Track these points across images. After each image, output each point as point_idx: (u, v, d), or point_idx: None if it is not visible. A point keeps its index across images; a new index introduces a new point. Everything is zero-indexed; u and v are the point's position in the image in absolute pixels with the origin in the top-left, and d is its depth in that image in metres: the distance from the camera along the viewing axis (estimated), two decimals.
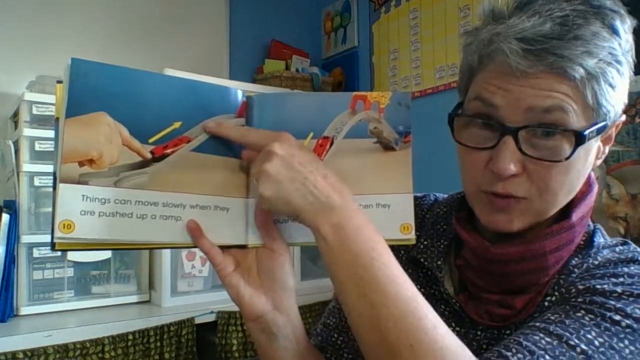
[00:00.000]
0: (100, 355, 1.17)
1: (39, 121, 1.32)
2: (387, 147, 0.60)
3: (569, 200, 0.59)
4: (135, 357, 1.23)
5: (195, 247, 0.56)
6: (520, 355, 0.48)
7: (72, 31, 1.81)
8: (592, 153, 0.57)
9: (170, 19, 2.06)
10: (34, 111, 1.32)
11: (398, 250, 0.72)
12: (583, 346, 0.48)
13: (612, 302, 0.52)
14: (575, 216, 0.58)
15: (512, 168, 0.54)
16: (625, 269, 0.56)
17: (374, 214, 0.58)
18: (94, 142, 0.52)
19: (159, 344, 1.28)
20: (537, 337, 0.50)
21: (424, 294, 0.57)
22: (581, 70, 0.51)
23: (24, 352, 1.07)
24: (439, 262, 0.66)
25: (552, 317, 0.52)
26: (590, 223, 0.64)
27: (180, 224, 0.56)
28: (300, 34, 2.43)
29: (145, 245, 0.55)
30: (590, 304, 0.52)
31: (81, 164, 0.51)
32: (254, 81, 2.15)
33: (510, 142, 0.53)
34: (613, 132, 0.59)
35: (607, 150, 0.60)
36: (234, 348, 1.38)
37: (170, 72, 1.47)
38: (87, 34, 1.84)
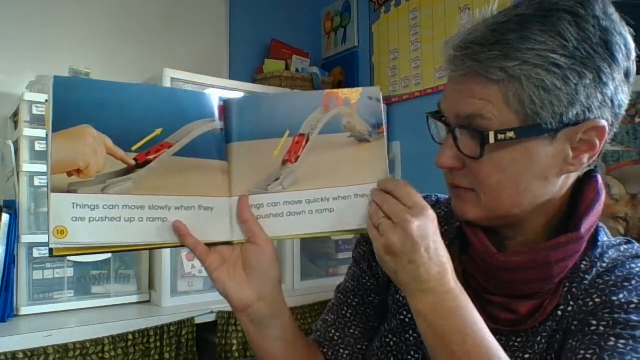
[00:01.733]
0: (100, 355, 1.17)
1: (39, 121, 1.32)
2: (362, 139, 0.63)
3: (529, 201, 0.58)
4: (135, 357, 1.23)
5: (183, 245, 0.60)
6: None
7: (72, 31, 1.81)
8: (543, 155, 0.55)
9: (170, 19, 2.06)
10: (34, 111, 1.33)
11: None
12: None
13: (635, 318, 0.52)
14: (585, 228, 0.58)
15: (448, 162, 0.59)
16: (635, 267, 0.57)
17: (352, 204, 0.61)
18: (79, 153, 0.56)
19: (159, 344, 1.28)
20: None
21: None
22: (499, 73, 0.53)
23: (24, 352, 1.07)
24: None
25: (588, 356, 0.52)
26: None
27: (167, 225, 0.59)
28: (300, 34, 2.43)
29: (136, 246, 0.59)
30: (614, 327, 0.53)
31: (69, 174, 0.55)
32: (254, 81, 2.15)
33: (449, 139, 0.59)
34: (594, 139, 0.56)
35: (584, 159, 0.57)
36: (234, 348, 1.38)
37: (170, 72, 1.47)
38: (87, 34, 1.84)
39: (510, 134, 0.54)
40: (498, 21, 0.55)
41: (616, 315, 0.53)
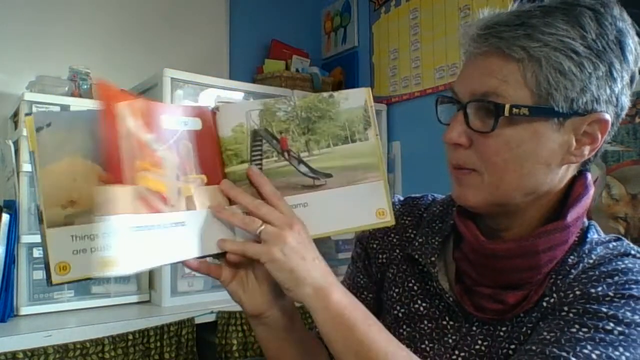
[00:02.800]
0: (100, 355, 1.17)
1: None
2: None
3: (530, 186, 0.59)
4: (135, 357, 1.23)
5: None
6: None
7: (72, 31, 1.81)
8: (550, 140, 0.57)
9: (171, 19, 2.06)
10: (34, 111, 1.32)
11: (393, 249, 0.75)
12: None
13: (604, 310, 0.53)
14: (571, 217, 0.59)
15: (456, 137, 0.60)
16: (620, 264, 0.58)
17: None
18: (70, 186, 0.54)
19: (159, 344, 1.27)
20: None
21: (419, 289, 0.70)
22: (521, 52, 0.56)
23: (24, 352, 1.07)
24: (433, 259, 0.68)
25: (548, 337, 0.54)
26: (585, 220, 0.64)
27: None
28: (300, 34, 2.43)
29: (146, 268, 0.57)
30: (583, 315, 0.54)
31: (64, 206, 0.53)
32: (254, 81, 2.15)
33: (459, 115, 0.60)
34: (596, 132, 0.58)
35: (585, 151, 0.59)
36: (234, 348, 1.38)
37: (170, 72, 1.47)
38: (87, 34, 1.84)
39: (525, 110, 0.56)
40: (522, 10, 0.58)
41: (588, 305, 0.55)
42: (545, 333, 0.55)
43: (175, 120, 0.60)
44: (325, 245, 1.86)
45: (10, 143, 1.33)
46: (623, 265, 0.58)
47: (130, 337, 1.22)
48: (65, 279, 0.52)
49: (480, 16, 0.61)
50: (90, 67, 1.56)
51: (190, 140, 0.61)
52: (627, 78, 0.58)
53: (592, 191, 0.63)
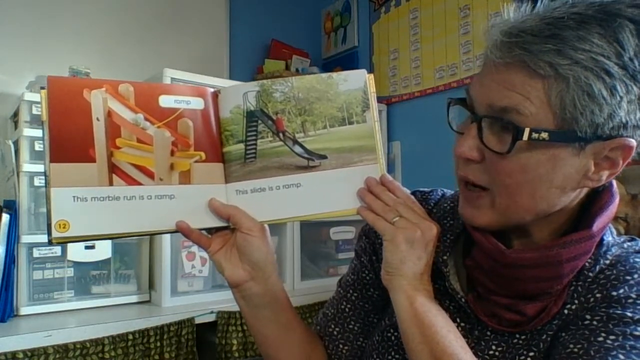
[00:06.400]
0: (100, 355, 1.17)
1: (39, 121, 1.32)
2: None
3: (543, 208, 0.57)
4: (135, 357, 1.23)
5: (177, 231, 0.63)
6: None
7: (72, 31, 1.81)
8: (567, 165, 0.54)
9: (171, 19, 2.06)
10: (34, 111, 1.32)
11: None
12: None
13: (629, 314, 0.52)
14: (597, 226, 0.57)
15: (467, 152, 0.57)
16: (638, 261, 0.57)
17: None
18: None
19: (159, 344, 1.27)
20: None
21: None
22: (548, 69, 0.50)
23: (24, 352, 1.07)
24: (445, 257, 0.66)
25: (576, 349, 0.52)
26: None
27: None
28: (300, 34, 2.43)
29: (137, 234, 0.61)
30: (607, 322, 0.52)
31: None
32: (253, 81, 2.15)
33: (473, 128, 0.56)
34: (618, 158, 0.54)
35: (603, 177, 0.55)
36: (234, 348, 1.38)
37: (170, 72, 1.47)
38: (88, 34, 1.84)
39: (544, 135, 0.52)
40: (554, 16, 0.52)
41: (611, 310, 0.53)
42: (571, 346, 0.53)
43: (175, 99, 0.63)
44: (325, 245, 1.86)
45: (10, 143, 1.32)
46: None
47: (130, 337, 1.22)
48: (64, 237, 0.56)
49: (506, 15, 0.56)
50: (90, 67, 1.56)
51: (191, 118, 0.64)
52: None
53: (617, 199, 0.60)
